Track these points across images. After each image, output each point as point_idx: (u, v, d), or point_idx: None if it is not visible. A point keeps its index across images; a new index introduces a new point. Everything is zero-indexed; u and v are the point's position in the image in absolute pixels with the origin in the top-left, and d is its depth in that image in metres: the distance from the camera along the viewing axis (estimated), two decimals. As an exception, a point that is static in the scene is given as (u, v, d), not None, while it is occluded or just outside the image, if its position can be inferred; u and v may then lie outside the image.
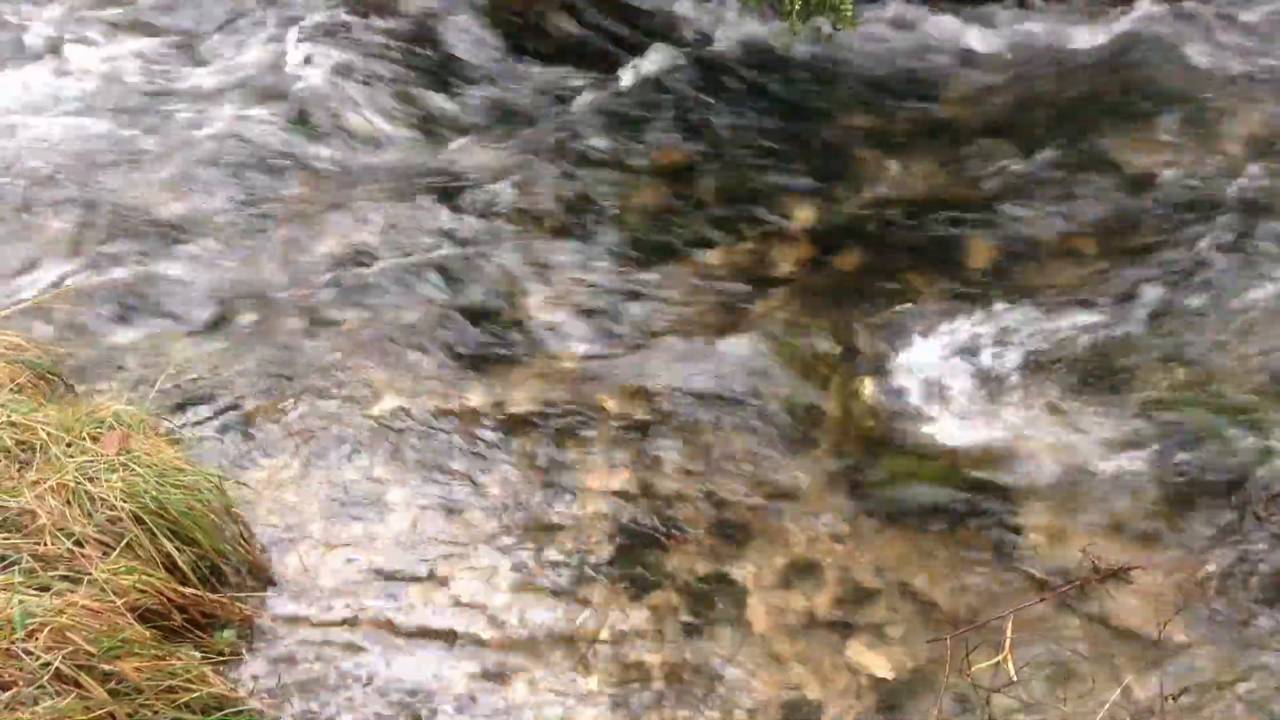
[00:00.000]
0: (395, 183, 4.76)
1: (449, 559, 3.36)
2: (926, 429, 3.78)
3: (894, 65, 5.38)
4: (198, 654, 2.86)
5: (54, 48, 5.33)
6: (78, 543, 2.88)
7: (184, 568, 3.02)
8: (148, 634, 2.78)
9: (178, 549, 3.02)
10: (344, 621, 3.18)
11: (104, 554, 2.89)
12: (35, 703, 2.49)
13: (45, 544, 2.84)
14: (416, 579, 3.31)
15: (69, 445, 3.10)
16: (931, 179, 4.81)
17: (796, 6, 4.95)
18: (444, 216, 4.55)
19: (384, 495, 3.52)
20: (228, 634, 3.04)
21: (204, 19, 5.61)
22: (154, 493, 3.03)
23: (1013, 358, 3.97)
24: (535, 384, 3.89)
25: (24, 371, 3.50)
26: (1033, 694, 2.99)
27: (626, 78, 5.25)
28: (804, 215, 4.64)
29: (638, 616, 3.24)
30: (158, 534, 3.00)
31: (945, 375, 3.93)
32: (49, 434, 3.10)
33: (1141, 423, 3.74)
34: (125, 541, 2.93)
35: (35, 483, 2.97)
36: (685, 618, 3.24)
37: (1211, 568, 3.31)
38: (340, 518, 3.45)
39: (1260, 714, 2.96)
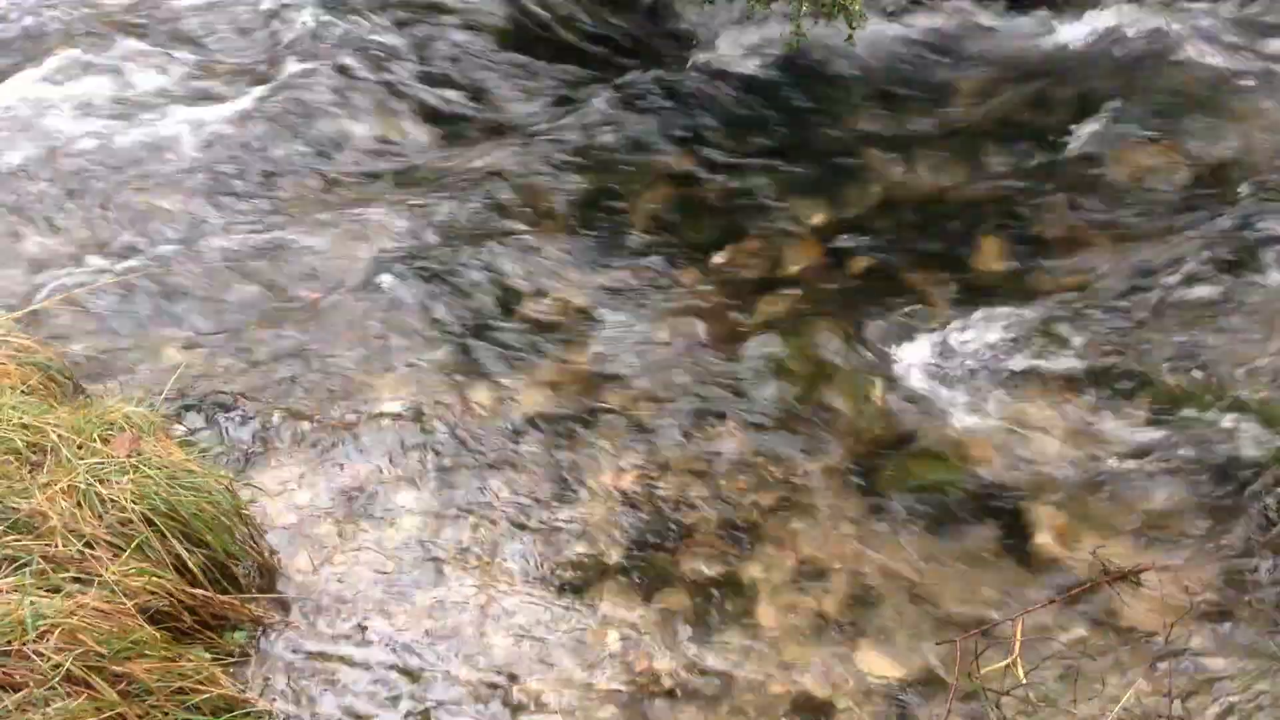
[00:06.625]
0: (402, 185, 4.77)
1: (457, 561, 3.36)
2: (936, 430, 3.77)
3: (901, 66, 5.37)
4: (208, 655, 2.87)
5: (62, 49, 5.34)
6: (88, 544, 2.88)
7: (194, 569, 3.02)
8: (158, 635, 2.78)
9: (188, 551, 3.02)
10: (353, 623, 3.19)
11: (114, 556, 2.89)
12: (46, 704, 2.49)
13: (56, 545, 2.85)
14: (425, 580, 3.31)
15: (80, 447, 3.10)
16: (940, 179, 4.80)
17: (804, 8, 4.95)
18: (451, 219, 4.55)
19: (393, 497, 3.53)
20: (238, 635, 3.05)
21: (210, 23, 5.62)
22: (164, 495, 3.04)
23: (1023, 358, 3.96)
24: (543, 385, 3.90)
25: (35, 373, 3.50)
26: (1043, 696, 2.98)
27: (635, 81, 5.24)
28: (813, 216, 4.63)
29: (647, 618, 3.24)
30: (168, 536, 3.01)
31: (955, 376, 3.93)
32: (60, 436, 3.11)
33: (1152, 423, 3.73)
34: (136, 543, 2.94)
35: (46, 484, 2.97)
36: (695, 619, 3.24)
37: (1222, 569, 3.30)
38: (349, 519, 3.45)
39: (1270, 715, 2.95)
